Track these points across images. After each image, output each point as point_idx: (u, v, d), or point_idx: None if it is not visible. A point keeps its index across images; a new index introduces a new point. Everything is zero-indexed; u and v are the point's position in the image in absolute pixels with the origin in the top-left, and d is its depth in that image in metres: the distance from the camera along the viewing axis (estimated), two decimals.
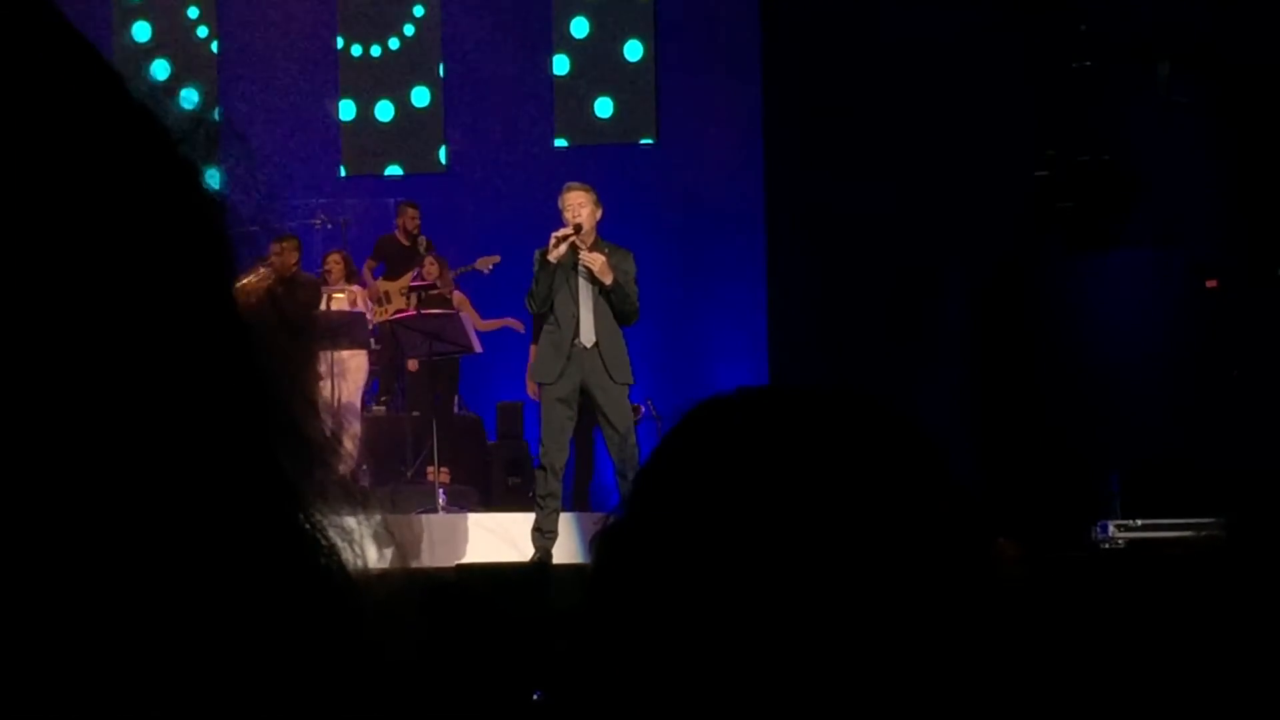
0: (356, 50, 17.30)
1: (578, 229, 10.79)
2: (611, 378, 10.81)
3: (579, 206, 10.87)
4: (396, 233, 15.49)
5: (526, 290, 11.05)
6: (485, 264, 14.96)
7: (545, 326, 11.01)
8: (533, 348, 14.43)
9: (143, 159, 0.65)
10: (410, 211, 15.47)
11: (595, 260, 10.74)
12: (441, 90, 17.14)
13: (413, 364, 14.50)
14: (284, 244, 12.72)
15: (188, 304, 0.64)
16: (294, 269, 13.09)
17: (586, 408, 11.08)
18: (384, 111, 17.27)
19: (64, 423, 0.60)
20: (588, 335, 10.81)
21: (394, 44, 17.28)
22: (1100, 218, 14.06)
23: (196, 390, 0.63)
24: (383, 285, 15.05)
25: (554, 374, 10.83)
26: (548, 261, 10.79)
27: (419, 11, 17.26)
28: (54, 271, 0.60)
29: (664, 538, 1.25)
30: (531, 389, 14.51)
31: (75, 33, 0.66)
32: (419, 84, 17.21)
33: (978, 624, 1.25)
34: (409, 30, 17.27)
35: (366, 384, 14.47)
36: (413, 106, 17.22)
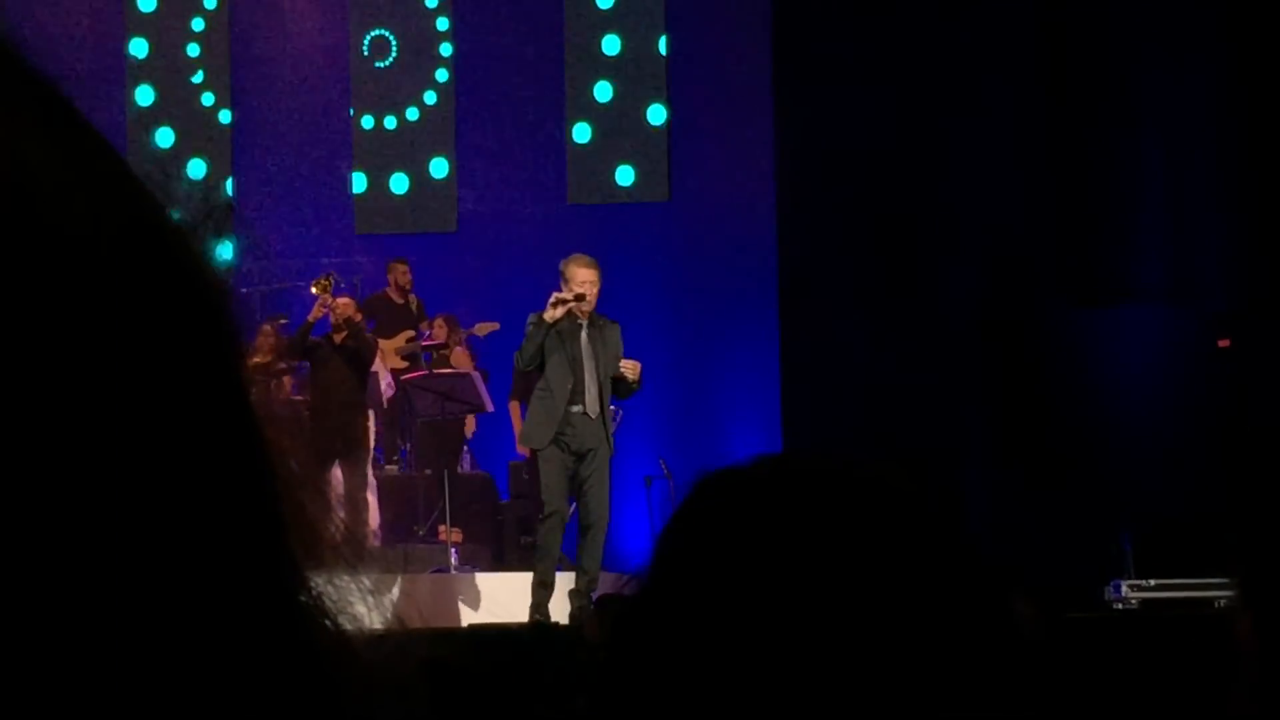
0: (368, 122, 17.23)
1: (579, 298, 10.94)
2: (609, 444, 11.18)
3: (591, 284, 11.08)
4: (388, 290, 15.36)
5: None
6: (483, 329, 14.93)
7: (537, 390, 11.27)
8: (513, 404, 14.44)
9: (142, 240, 0.64)
10: (400, 268, 15.33)
11: (635, 369, 11.19)
12: (457, 160, 17.02)
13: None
14: (344, 298, 13.19)
15: (187, 389, 0.63)
16: (358, 315, 13.37)
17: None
18: (399, 184, 17.16)
19: (55, 498, 0.59)
20: (593, 406, 11.10)
21: (412, 114, 17.16)
22: (1112, 270, 14.07)
23: (193, 474, 0.63)
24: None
25: (544, 440, 11.12)
26: (543, 321, 11.03)
27: (431, 95, 17.12)
28: (50, 362, 0.60)
29: (681, 608, 1.25)
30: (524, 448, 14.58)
31: (73, 109, 0.65)
32: (437, 155, 17.08)
33: (998, 693, 1.24)
34: (430, 98, 17.13)
35: (373, 444, 14.43)
36: (430, 178, 17.10)
